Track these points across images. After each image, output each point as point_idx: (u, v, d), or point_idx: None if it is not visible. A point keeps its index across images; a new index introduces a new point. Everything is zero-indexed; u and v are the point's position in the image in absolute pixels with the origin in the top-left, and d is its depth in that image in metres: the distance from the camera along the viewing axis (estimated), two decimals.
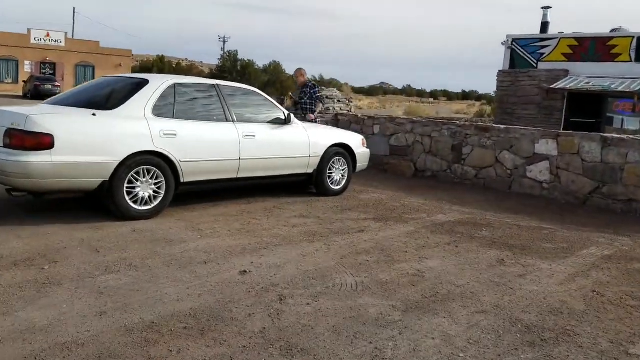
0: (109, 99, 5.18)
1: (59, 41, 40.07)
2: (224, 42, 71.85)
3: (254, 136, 5.91)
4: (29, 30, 38.52)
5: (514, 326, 3.17)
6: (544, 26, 17.38)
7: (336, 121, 10.32)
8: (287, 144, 6.28)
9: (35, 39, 38.68)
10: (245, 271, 3.85)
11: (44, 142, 4.44)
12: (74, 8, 55.31)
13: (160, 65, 71.19)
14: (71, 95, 5.43)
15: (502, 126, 8.50)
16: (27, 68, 37.86)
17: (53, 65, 39.74)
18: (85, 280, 3.53)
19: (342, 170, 7.03)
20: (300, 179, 6.65)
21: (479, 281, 3.95)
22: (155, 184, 5.15)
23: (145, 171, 5.06)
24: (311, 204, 6.37)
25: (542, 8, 17.61)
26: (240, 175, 5.88)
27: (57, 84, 33.14)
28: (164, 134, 5.14)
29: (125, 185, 4.93)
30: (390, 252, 4.56)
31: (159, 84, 5.35)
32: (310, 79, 8.87)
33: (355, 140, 7.22)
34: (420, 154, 9.05)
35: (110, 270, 3.74)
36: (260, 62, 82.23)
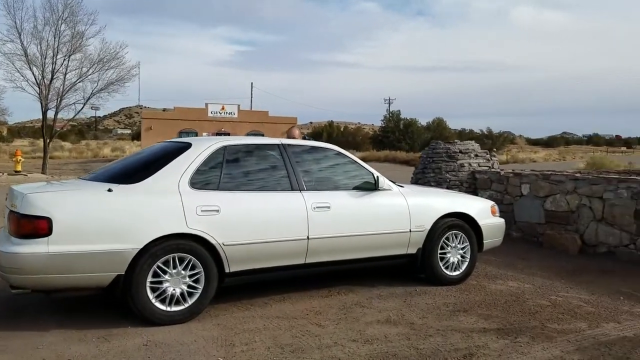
0: (139, 169, 4.22)
1: (232, 113, 43.53)
2: (389, 103, 72.56)
3: (328, 207, 4.49)
4: (206, 104, 42.55)
5: None
6: None
7: (473, 180, 8.40)
8: (376, 215, 4.74)
9: (211, 112, 42.52)
10: None
11: (39, 227, 3.55)
12: (252, 83, 60.94)
13: (329, 130, 74.27)
14: (110, 168, 4.60)
15: None
16: None
17: (227, 135, 43.13)
18: None
19: (462, 249, 5.19)
20: (399, 262, 4.99)
21: None
22: (190, 277, 3.98)
23: (177, 260, 3.93)
24: (411, 299, 4.64)
25: None
26: (311, 260, 4.46)
27: None
28: (203, 211, 3.99)
29: (149, 279, 3.83)
30: None
31: (202, 148, 4.28)
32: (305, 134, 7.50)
33: (479, 208, 5.37)
34: (589, 222, 6.69)
35: None
36: (424, 120, 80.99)
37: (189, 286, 3.98)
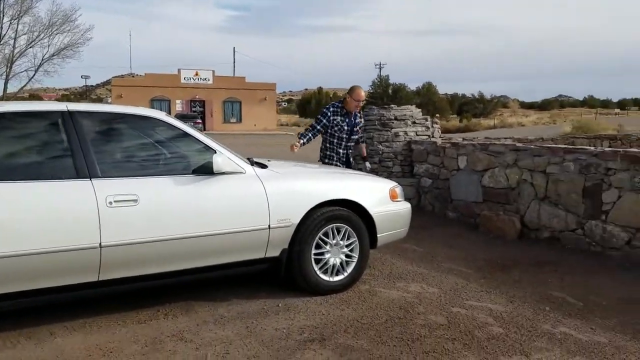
0: None
1: (207, 79, 41.67)
2: (380, 68, 70.28)
3: (134, 201, 3.20)
4: (179, 70, 40.68)
5: None
6: None
7: (409, 152, 7.11)
8: (214, 209, 3.47)
9: (185, 78, 40.66)
10: None
11: None
12: (234, 47, 58.70)
13: (318, 96, 72.44)
14: None
15: None
16: (178, 107, 39.83)
17: (202, 103, 41.39)
18: None
19: (347, 246, 3.96)
20: (255, 269, 3.74)
21: None
22: None
23: None
24: (261, 321, 3.41)
25: None
26: (109, 276, 3.20)
27: (198, 121, 33.96)
28: None
29: None
30: None
31: None
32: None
33: (371, 192, 4.12)
34: (530, 200, 5.46)
35: None
36: (413, 85, 79.01)
37: None
